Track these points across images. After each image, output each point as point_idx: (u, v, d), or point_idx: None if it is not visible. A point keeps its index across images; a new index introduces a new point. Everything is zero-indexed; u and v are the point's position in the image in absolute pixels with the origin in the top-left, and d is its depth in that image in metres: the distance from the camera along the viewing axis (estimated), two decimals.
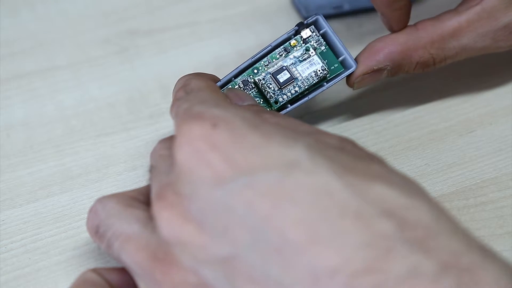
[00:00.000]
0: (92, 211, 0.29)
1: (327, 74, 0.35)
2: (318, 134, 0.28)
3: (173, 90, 0.32)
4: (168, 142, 0.30)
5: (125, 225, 0.27)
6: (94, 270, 0.29)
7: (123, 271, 0.29)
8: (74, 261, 0.32)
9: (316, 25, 0.35)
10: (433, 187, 0.35)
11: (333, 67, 0.35)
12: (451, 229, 0.23)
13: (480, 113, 0.38)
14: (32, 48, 0.43)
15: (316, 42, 0.35)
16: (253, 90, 0.34)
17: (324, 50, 0.35)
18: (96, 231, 0.28)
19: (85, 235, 0.33)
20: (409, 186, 0.25)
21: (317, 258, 0.23)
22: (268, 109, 0.33)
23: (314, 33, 0.35)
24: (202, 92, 0.30)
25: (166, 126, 0.38)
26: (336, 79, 0.35)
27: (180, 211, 0.26)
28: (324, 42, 0.35)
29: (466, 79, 0.40)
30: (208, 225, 0.25)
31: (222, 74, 0.38)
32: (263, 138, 0.26)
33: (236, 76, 0.35)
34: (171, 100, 0.33)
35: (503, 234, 0.33)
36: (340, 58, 0.35)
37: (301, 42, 0.35)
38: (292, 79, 0.34)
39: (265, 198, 0.24)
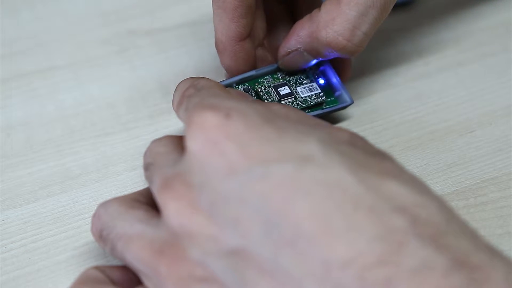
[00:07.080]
0: (95, 215, 0.29)
1: (324, 102, 0.36)
2: (329, 128, 0.28)
3: (177, 91, 0.32)
4: (165, 140, 0.30)
5: (127, 226, 0.27)
6: (97, 268, 0.29)
7: (125, 269, 0.29)
8: (74, 261, 0.32)
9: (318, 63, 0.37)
10: (433, 187, 0.35)
11: (329, 99, 0.36)
12: (460, 228, 0.24)
13: (480, 113, 0.38)
14: (32, 48, 0.43)
15: (316, 76, 0.37)
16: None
17: (322, 84, 0.37)
18: (100, 235, 0.28)
19: (85, 235, 0.33)
20: (419, 184, 0.25)
21: (330, 250, 0.23)
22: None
23: (315, 67, 0.37)
24: (213, 88, 0.30)
25: (166, 126, 0.38)
26: (331, 108, 0.36)
27: (189, 202, 0.25)
28: (323, 77, 0.37)
29: (465, 79, 0.40)
30: (218, 215, 0.25)
31: (222, 74, 0.38)
32: (277, 131, 0.26)
33: (238, 83, 0.36)
34: (171, 100, 0.32)
35: (503, 234, 0.33)
36: (337, 94, 0.37)
37: (302, 70, 0.37)
38: (291, 94, 0.36)
39: (280, 190, 0.24)
